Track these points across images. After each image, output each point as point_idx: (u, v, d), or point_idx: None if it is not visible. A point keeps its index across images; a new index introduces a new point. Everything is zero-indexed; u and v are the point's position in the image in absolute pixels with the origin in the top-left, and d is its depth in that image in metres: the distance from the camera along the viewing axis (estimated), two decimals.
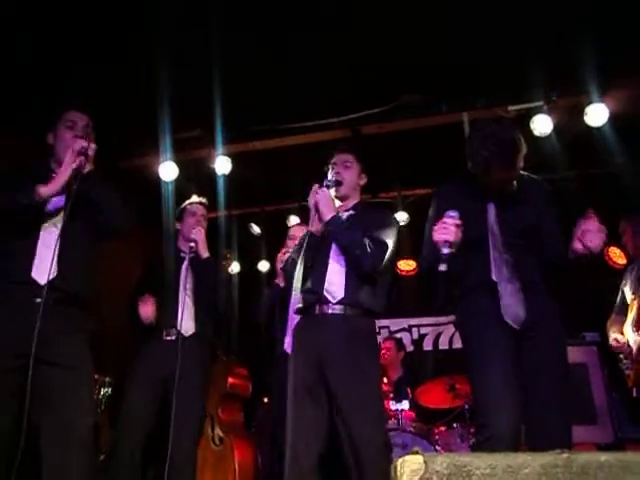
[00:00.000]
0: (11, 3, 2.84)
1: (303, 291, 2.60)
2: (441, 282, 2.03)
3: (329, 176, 2.68)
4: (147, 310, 2.89)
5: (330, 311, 2.49)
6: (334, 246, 2.60)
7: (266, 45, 3.22)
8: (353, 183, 2.73)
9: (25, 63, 3.16)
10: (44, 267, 2.19)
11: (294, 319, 2.98)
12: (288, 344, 3.06)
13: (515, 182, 2.20)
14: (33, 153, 2.87)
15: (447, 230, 2.01)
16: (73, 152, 2.21)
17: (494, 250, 2.16)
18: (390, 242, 2.55)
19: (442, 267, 1.95)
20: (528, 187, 2.26)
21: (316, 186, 2.59)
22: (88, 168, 2.25)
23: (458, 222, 2.03)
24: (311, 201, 2.57)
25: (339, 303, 2.49)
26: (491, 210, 2.22)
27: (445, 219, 2.04)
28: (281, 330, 3.20)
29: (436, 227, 2.03)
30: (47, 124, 2.51)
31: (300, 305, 2.62)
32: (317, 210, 2.55)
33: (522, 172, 2.26)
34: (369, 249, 2.48)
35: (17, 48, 3.08)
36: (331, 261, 2.58)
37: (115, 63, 3.22)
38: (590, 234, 1.98)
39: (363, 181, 2.79)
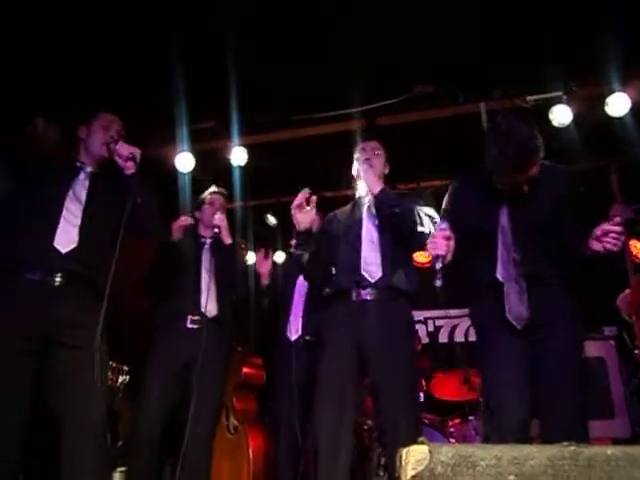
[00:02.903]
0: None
1: (337, 274, 2.60)
2: (440, 292, 2.01)
3: (356, 162, 2.72)
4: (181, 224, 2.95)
5: (369, 297, 2.48)
6: (366, 226, 2.63)
7: (281, 36, 3.21)
8: (380, 171, 2.76)
9: (43, 56, 3.20)
10: (66, 237, 2.26)
11: (298, 304, 3.01)
12: (291, 330, 3.10)
13: (527, 184, 2.15)
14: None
15: (437, 244, 2.03)
16: (120, 156, 2.40)
17: (502, 248, 2.16)
18: (437, 216, 2.56)
19: (437, 282, 1.99)
20: (547, 178, 2.19)
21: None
22: (132, 171, 2.41)
23: (447, 234, 2.05)
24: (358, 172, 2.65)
25: (377, 287, 2.49)
26: (504, 208, 2.20)
27: (434, 232, 2.08)
28: (285, 316, 3.22)
29: (428, 242, 2.07)
30: (75, 117, 2.61)
31: (333, 290, 2.60)
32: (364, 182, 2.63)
33: (542, 161, 2.18)
34: (424, 219, 2.51)
35: (35, 42, 3.11)
36: (364, 241, 2.59)
37: (131, 55, 3.24)
38: (612, 235, 1.98)
39: (387, 170, 2.82)
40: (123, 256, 2.44)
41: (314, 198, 2.65)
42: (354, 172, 2.70)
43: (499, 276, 2.15)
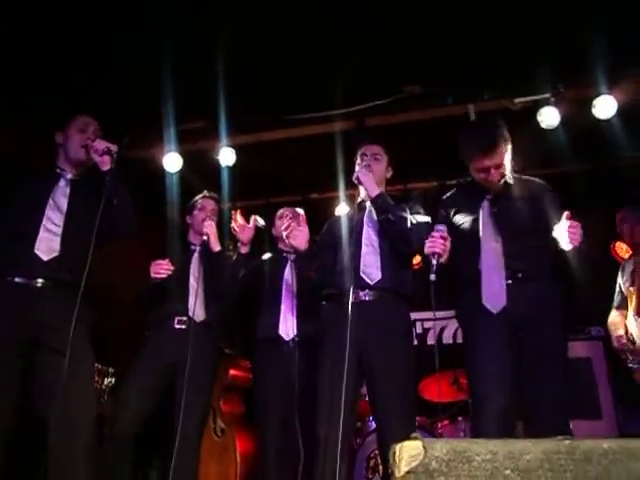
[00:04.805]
0: None
1: (336, 276, 2.60)
2: (433, 289, 2.17)
3: (357, 167, 2.72)
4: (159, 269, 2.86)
5: (367, 298, 2.50)
6: (366, 228, 2.67)
7: (270, 36, 3.20)
8: (381, 176, 2.78)
9: (28, 55, 3.15)
10: (47, 245, 2.24)
11: (288, 303, 2.98)
12: (284, 329, 3.05)
13: (504, 178, 2.36)
14: (33, 143, 2.89)
15: (435, 243, 2.20)
16: (97, 151, 2.38)
17: (484, 241, 2.31)
18: (428, 223, 2.61)
19: (432, 277, 2.15)
20: (527, 188, 2.40)
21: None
22: (108, 167, 2.38)
23: (445, 235, 2.24)
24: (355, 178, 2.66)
25: (375, 288, 2.51)
26: (485, 205, 2.38)
27: (433, 233, 2.25)
28: (271, 314, 3.14)
29: (427, 241, 2.25)
30: (51, 117, 2.58)
31: (332, 291, 2.61)
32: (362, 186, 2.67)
33: (524, 176, 2.46)
34: (415, 226, 2.58)
35: (20, 40, 3.07)
36: (364, 243, 2.63)
37: (118, 54, 3.20)
38: (572, 230, 2.08)
39: (389, 174, 2.84)
40: (104, 258, 2.42)
41: (301, 217, 2.83)
42: (354, 177, 2.67)
43: (480, 266, 2.27)
